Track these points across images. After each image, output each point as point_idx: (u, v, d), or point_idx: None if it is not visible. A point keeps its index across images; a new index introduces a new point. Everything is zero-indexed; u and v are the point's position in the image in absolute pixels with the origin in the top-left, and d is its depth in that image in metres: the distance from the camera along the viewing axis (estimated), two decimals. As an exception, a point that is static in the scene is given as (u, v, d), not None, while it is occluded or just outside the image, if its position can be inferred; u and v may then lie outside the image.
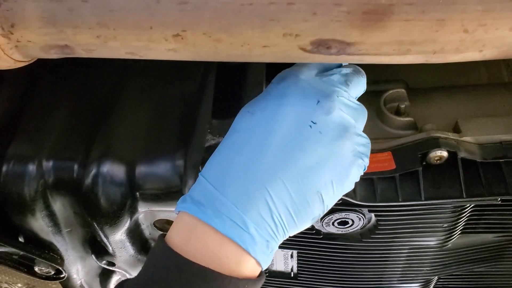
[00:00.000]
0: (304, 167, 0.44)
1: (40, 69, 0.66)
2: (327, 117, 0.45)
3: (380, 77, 0.75)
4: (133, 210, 0.62)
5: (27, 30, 0.41)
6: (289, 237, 0.46)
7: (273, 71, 0.67)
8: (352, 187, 0.47)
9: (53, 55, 0.44)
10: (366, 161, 0.48)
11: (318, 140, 0.44)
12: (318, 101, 0.45)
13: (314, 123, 0.45)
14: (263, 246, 0.43)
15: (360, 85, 0.51)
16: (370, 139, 0.50)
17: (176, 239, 0.44)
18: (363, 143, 0.48)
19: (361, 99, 0.52)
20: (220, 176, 0.44)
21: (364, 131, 0.50)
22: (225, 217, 0.42)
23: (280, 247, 0.78)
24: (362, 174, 0.48)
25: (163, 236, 0.45)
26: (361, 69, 0.52)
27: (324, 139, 0.45)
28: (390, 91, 0.72)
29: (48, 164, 0.60)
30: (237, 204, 0.42)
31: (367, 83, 0.52)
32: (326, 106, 0.45)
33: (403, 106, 0.69)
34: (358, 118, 0.48)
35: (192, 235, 0.43)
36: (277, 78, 0.49)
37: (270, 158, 0.43)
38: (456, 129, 0.67)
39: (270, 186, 0.42)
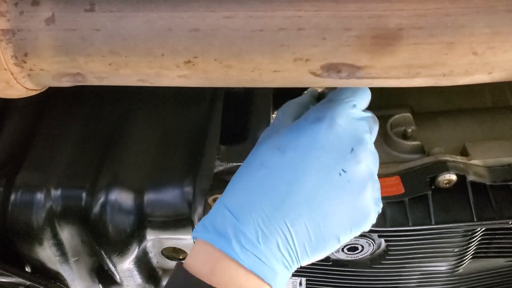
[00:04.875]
0: (328, 212, 0.44)
1: (49, 97, 0.66)
2: (358, 166, 0.46)
3: (384, 102, 0.75)
4: (141, 238, 0.61)
5: (40, 58, 0.41)
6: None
7: (279, 97, 0.67)
8: (368, 229, 0.48)
9: (65, 83, 0.44)
10: (381, 206, 0.49)
11: (345, 189, 0.45)
12: (352, 149, 0.46)
13: (344, 171, 0.45)
14: (282, 277, 0.44)
15: (376, 132, 0.52)
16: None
17: (201, 269, 0.44)
18: (378, 187, 0.48)
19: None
20: (245, 211, 0.44)
21: None
22: (249, 253, 0.43)
23: (288, 274, 0.77)
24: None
25: (181, 264, 0.45)
26: (376, 117, 0.52)
27: (351, 189, 0.45)
28: (396, 116, 0.72)
29: (56, 193, 0.60)
30: (259, 239, 0.43)
31: (372, 108, 0.52)
32: (359, 156, 0.46)
33: (409, 130, 0.69)
34: (376, 164, 0.49)
35: (218, 266, 0.43)
36: (312, 116, 0.48)
37: (298, 200, 0.44)
38: (464, 153, 0.67)
39: (293, 226, 0.43)
